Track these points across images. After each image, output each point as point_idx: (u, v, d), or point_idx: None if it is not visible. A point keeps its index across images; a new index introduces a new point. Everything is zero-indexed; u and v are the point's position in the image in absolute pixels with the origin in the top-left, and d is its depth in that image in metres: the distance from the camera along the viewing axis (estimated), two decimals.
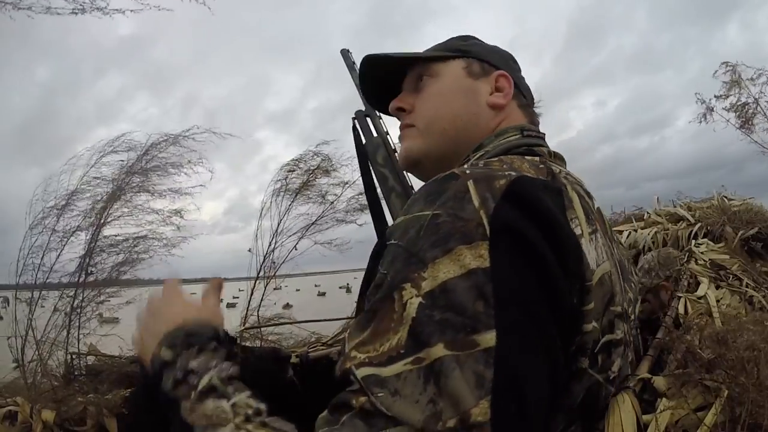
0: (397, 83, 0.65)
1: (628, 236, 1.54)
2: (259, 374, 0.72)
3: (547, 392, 0.35)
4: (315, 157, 2.23)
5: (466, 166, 0.43)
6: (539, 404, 0.34)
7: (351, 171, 2.19)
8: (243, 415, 0.39)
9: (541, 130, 0.60)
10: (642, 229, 1.55)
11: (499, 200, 0.37)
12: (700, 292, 0.90)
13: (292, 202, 2.25)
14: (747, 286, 0.98)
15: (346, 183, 2.24)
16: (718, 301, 0.87)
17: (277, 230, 2.25)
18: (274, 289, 2.27)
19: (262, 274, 2.22)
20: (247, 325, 1.99)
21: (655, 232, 1.45)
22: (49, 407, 0.88)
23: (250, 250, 2.25)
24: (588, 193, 0.50)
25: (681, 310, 0.82)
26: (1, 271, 1.62)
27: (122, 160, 1.79)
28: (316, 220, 2.26)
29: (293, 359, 0.77)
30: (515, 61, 0.65)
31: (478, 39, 0.66)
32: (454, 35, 0.66)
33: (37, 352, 1.45)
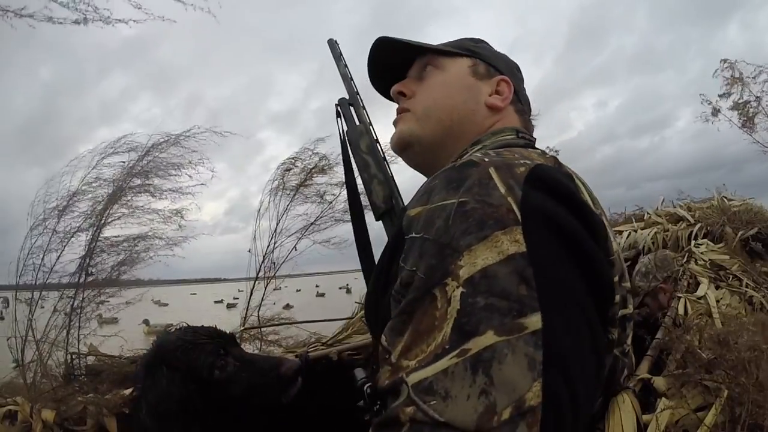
0: (402, 70, 0.67)
1: (628, 236, 1.54)
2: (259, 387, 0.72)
3: (594, 369, 0.36)
4: (313, 156, 2.23)
5: (480, 153, 0.43)
6: (587, 381, 0.35)
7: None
8: None
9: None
10: (642, 229, 1.55)
11: (524, 186, 0.37)
12: (700, 292, 0.90)
13: (290, 201, 2.25)
14: (747, 287, 0.98)
15: (344, 183, 2.24)
16: (718, 301, 0.87)
17: (276, 230, 2.24)
18: (274, 289, 2.27)
19: (261, 274, 2.22)
20: (247, 325, 1.99)
21: (655, 233, 1.45)
22: (49, 407, 0.88)
23: (250, 251, 2.25)
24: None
25: (681, 310, 0.82)
26: (1, 271, 1.62)
27: (123, 161, 1.79)
28: (315, 220, 2.26)
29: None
30: (519, 71, 0.67)
31: (488, 44, 0.68)
32: (466, 36, 0.68)
33: (37, 352, 1.45)
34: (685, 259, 1.12)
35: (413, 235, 0.39)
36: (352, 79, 0.82)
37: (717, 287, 0.96)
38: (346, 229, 2.29)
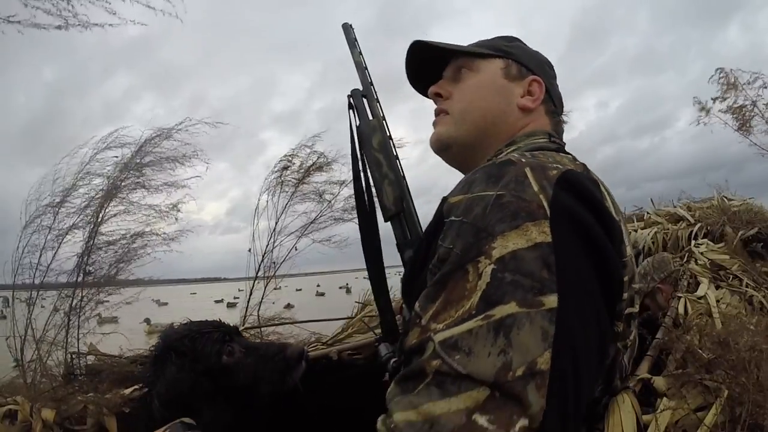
0: (435, 70, 0.70)
1: (628, 236, 1.53)
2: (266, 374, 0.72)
3: (596, 352, 0.42)
4: (312, 154, 2.21)
5: (517, 154, 0.48)
6: (590, 361, 0.41)
7: (347, 169, 2.17)
8: None
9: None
10: (642, 229, 1.55)
11: (554, 187, 0.43)
12: (700, 292, 0.90)
13: (289, 200, 2.24)
14: (747, 286, 0.97)
15: (343, 182, 2.23)
16: (718, 301, 0.87)
17: (275, 229, 2.24)
18: (274, 288, 2.27)
19: (261, 273, 2.21)
20: (246, 324, 1.99)
21: (655, 233, 1.44)
22: (49, 406, 0.88)
23: (250, 251, 2.24)
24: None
25: (681, 310, 0.82)
26: (1, 271, 1.61)
27: (116, 156, 1.78)
28: (315, 218, 2.25)
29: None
30: (551, 68, 0.70)
31: (521, 42, 0.70)
32: (499, 35, 0.70)
33: (36, 352, 1.45)
34: (685, 259, 1.12)
35: (453, 218, 0.44)
36: (367, 68, 0.79)
37: (717, 287, 0.96)
38: (346, 228, 2.28)
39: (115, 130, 1.80)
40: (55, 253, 1.63)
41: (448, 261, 0.42)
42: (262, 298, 2.16)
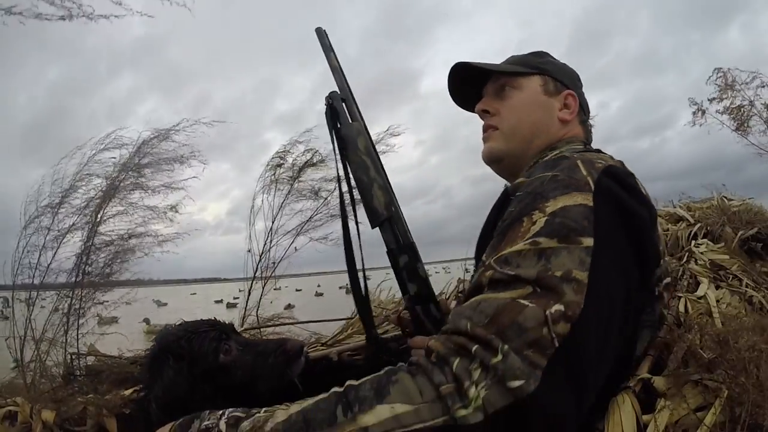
0: (473, 85, 0.77)
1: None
2: (262, 371, 0.72)
3: (623, 299, 0.50)
4: (306, 152, 2.20)
5: (568, 152, 0.60)
6: (617, 300, 0.49)
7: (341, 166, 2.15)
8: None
9: None
10: None
11: (600, 174, 0.53)
12: (700, 292, 0.90)
13: (285, 199, 2.23)
14: (747, 287, 0.97)
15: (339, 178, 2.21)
16: (718, 301, 0.87)
17: (271, 229, 2.23)
18: (274, 289, 2.26)
19: (259, 273, 2.21)
20: (246, 325, 1.99)
21: (661, 235, 1.44)
22: (48, 407, 0.87)
23: (249, 251, 2.24)
24: None
25: (681, 309, 0.82)
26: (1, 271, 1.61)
27: (114, 158, 1.77)
28: (311, 216, 2.24)
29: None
30: (579, 80, 0.77)
31: (551, 56, 0.78)
32: (530, 52, 0.78)
33: (36, 352, 1.45)
34: (685, 259, 1.12)
35: (518, 193, 0.56)
36: (343, 72, 0.79)
37: (717, 287, 0.96)
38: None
39: (113, 131, 1.80)
40: (55, 253, 1.63)
41: (509, 218, 0.52)
42: (260, 299, 2.15)
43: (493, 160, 0.75)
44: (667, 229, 1.42)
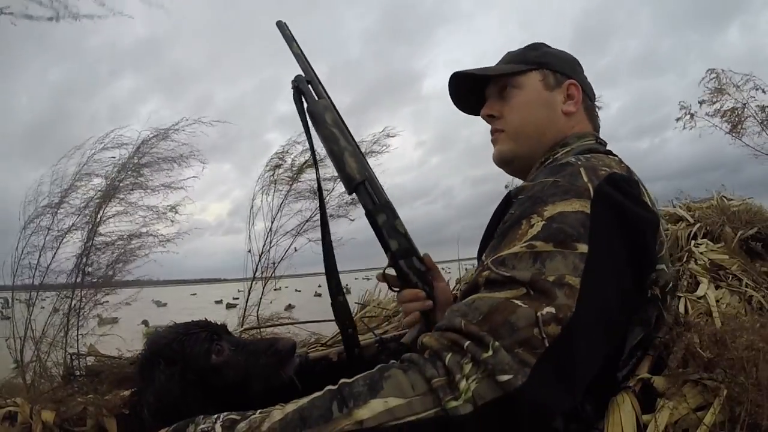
0: (475, 88, 0.77)
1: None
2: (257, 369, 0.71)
3: (616, 296, 0.51)
4: (305, 152, 2.19)
5: (573, 158, 0.59)
6: (607, 299, 0.49)
7: None
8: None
9: None
10: None
11: (601, 182, 0.54)
12: (699, 292, 0.90)
13: (284, 199, 2.23)
14: (746, 286, 0.97)
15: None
16: (717, 301, 0.87)
17: (271, 229, 2.23)
18: (274, 289, 2.26)
19: (258, 274, 2.21)
20: (246, 325, 1.99)
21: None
22: (48, 407, 0.87)
23: (249, 251, 2.24)
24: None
25: (681, 309, 0.82)
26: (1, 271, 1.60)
27: (113, 157, 1.77)
28: (311, 217, 2.24)
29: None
30: (579, 65, 0.76)
31: (547, 46, 0.76)
32: (525, 46, 0.76)
33: (36, 353, 1.44)
34: (684, 259, 1.12)
35: (519, 197, 0.57)
36: (306, 58, 0.83)
37: (717, 287, 0.96)
38: (342, 227, 2.27)
39: (112, 131, 1.79)
40: (55, 253, 1.63)
41: (509, 220, 0.54)
42: (260, 299, 2.15)
43: (503, 162, 0.76)
44: (667, 230, 1.42)
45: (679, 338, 0.64)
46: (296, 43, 0.85)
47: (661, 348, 0.64)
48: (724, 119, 2.30)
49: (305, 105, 0.79)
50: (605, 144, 0.72)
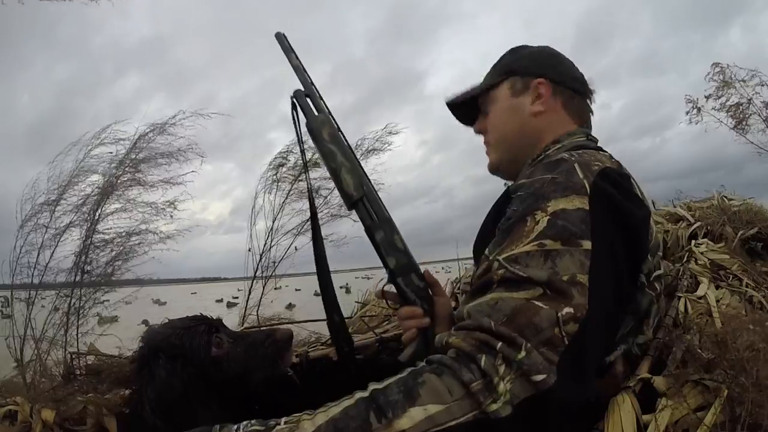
0: (472, 102, 0.81)
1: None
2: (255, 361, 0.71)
3: (611, 287, 0.52)
4: (307, 151, 2.19)
5: (566, 154, 0.61)
6: (608, 293, 0.52)
7: None
8: None
9: None
10: None
11: (595, 177, 0.56)
12: (700, 292, 0.90)
13: (285, 198, 2.22)
14: (747, 286, 0.97)
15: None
16: (718, 301, 0.87)
17: (272, 228, 2.23)
18: (274, 288, 2.26)
19: (259, 273, 2.21)
20: (246, 324, 1.99)
21: (655, 232, 1.44)
22: (48, 407, 0.87)
23: (249, 250, 2.24)
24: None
25: (681, 309, 0.82)
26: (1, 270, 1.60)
27: (111, 153, 1.74)
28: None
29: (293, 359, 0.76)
30: (553, 57, 0.75)
31: (526, 47, 0.77)
32: (509, 49, 0.79)
33: (36, 352, 1.44)
34: (685, 259, 1.12)
35: (519, 193, 0.58)
36: (305, 70, 0.82)
37: (717, 287, 0.96)
38: (344, 226, 2.26)
39: (108, 126, 1.77)
40: (53, 252, 1.62)
41: (512, 216, 0.55)
42: (261, 298, 2.15)
43: (493, 170, 0.81)
44: (667, 230, 1.42)
45: (678, 339, 0.64)
46: (295, 54, 0.84)
47: (660, 348, 0.64)
48: (729, 113, 2.28)
49: (304, 121, 0.79)
50: (596, 141, 0.73)
